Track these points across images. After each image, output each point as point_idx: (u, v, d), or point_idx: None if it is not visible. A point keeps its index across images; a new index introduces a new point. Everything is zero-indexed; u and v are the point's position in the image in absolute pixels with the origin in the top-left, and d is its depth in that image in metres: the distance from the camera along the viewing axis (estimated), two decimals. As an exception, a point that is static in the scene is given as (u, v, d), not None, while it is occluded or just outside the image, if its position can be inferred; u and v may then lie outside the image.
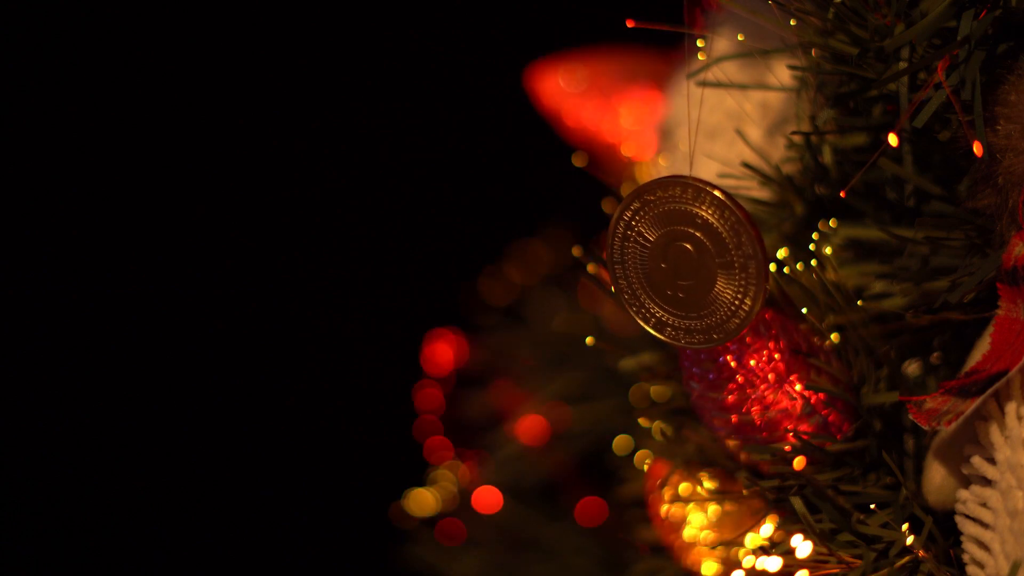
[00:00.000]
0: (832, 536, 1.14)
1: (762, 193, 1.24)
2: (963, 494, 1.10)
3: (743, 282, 1.10)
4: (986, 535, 1.08)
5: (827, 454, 1.16)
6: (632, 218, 1.11)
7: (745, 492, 1.19)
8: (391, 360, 1.94)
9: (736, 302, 1.10)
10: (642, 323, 1.13)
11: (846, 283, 1.19)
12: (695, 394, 1.19)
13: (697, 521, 1.29)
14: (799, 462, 1.15)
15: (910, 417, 1.10)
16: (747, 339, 1.16)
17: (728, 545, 1.25)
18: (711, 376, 1.17)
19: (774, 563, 1.14)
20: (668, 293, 1.12)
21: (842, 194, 1.18)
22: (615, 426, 1.54)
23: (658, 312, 1.13)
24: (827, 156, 1.21)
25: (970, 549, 1.10)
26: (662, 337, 1.13)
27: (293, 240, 2.32)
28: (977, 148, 1.07)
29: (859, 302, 1.18)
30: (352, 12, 2.27)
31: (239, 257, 2.30)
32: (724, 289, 1.10)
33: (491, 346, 1.75)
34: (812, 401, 1.16)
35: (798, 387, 1.16)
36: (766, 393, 1.16)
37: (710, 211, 1.09)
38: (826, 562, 1.14)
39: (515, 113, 1.70)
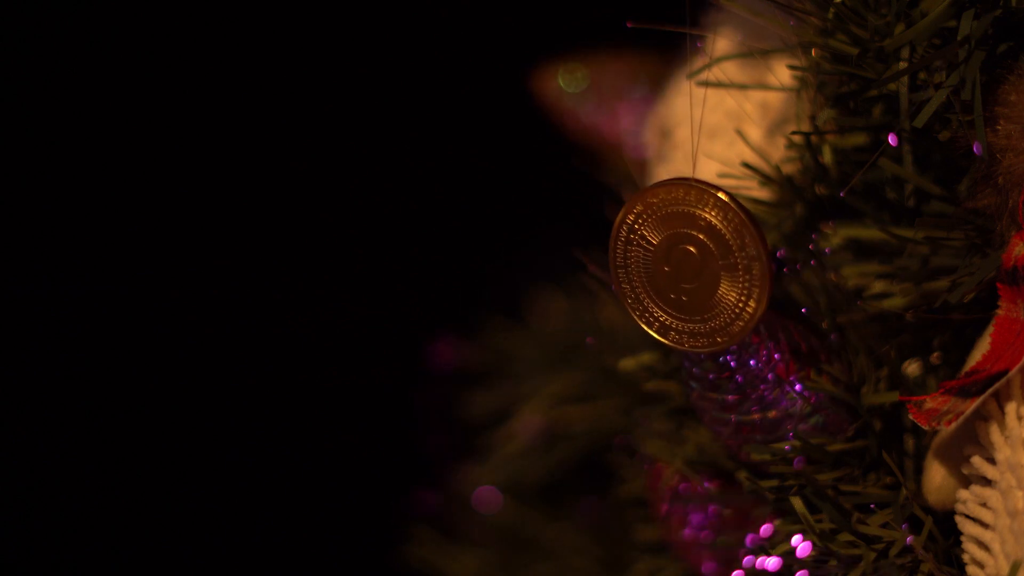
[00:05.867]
0: (832, 536, 1.14)
1: (762, 193, 1.24)
2: (963, 494, 1.10)
3: (747, 284, 1.09)
4: (986, 535, 1.08)
5: (827, 454, 1.16)
6: (635, 221, 1.11)
7: (745, 492, 1.20)
8: (391, 360, 1.94)
9: (740, 304, 1.10)
10: (646, 327, 1.13)
11: (846, 283, 1.19)
12: (695, 394, 1.19)
13: (697, 521, 1.29)
14: (799, 462, 1.15)
15: (910, 417, 1.10)
16: (747, 339, 1.16)
17: (728, 545, 1.25)
18: (711, 376, 1.17)
19: (774, 563, 1.14)
20: (671, 296, 1.12)
21: (842, 194, 1.18)
22: (615, 426, 1.54)
23: (661, 316, 1.12)
24: (827, 156, 1.21)
25: (970, 549, 1.10)
26: (666, 341, 1.13)
27: (293, 240, 2.32)
28: (977, 148, 1.07)
29: (859, 302, 1.18)
30: (353, 12, 2.27)
31: (239, 257, 2.30)
32: (728, 292, 1.10)
33: (491, 346, 1.75)
34: (812, 401, 1.16)
35: (798, 387, 1.16)
36: (766, 393, 1.16)
37: (713, 213, 1.09)
38: (826, 562, 1.14)
39: (516, 113, 1.70)
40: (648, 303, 1.12)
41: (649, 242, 1.11)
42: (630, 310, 1.13)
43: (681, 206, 1.10)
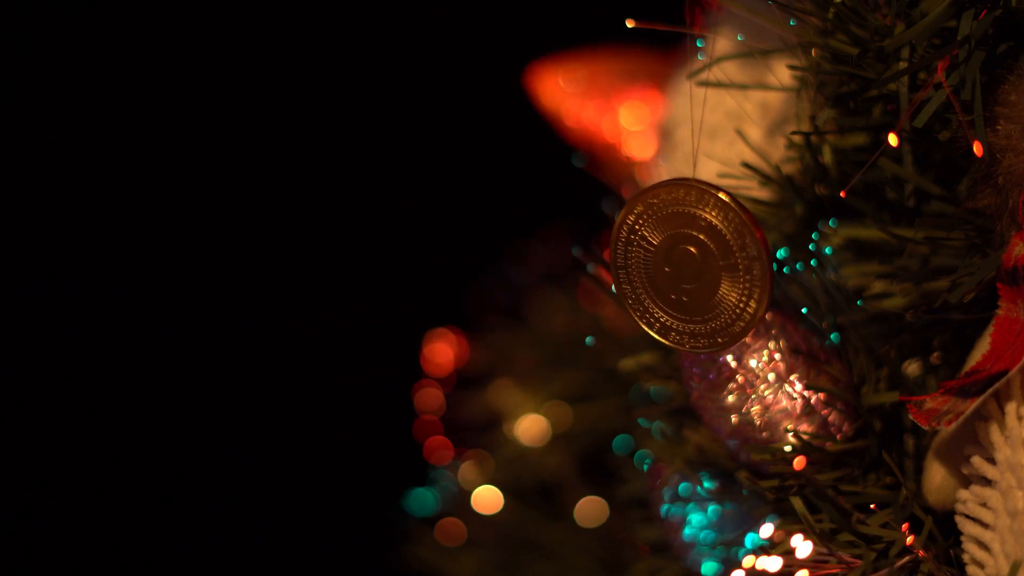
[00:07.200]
0: (832, 536, 1.14)
1: (762, 193, 1.24)
2: (963, 494, 1.10)
3: (747, 284, 1.09)
4: (986, 535, 1.08)
5: (827, 454, 1.16)
6: (635, 222, 1.11)
7: (745, 492, 1.19)
8: (391, 360, 1.94)
9: (741, 305, 1.10)
10: (646, 328, 1.12)
11: (846, 283, 1.19)
12: (695, 394, 1.19)
13: (697, 521, 1.29)
14: (799, 462, 1.15)
15: (910, 417, 1.10)
16: (747, 339, 1.16)
17: (728, 545, 1.25)
18: (711, 376, 1.17)
19: (774, 563, 1.14)
20: (672, 297, 1.11)
21: (842, 194, 1.18)
22: (615, 426, 1.54)
23: (662, 316, 1.12)
24: (827, 156, 1.21)
25: (970, 549, 1.10)
26: (667, 342, 1.12)
27: (293, 240, 2.32)
28: (977, 148, 1.07)
29: (859, 302, 1.18)
30: (353, 11, 2.27)
31: (239, 257, 2.30)
32: (728, 292, 1.10)
33: (491, 346, 1.75)
34: (812, 401, 1.16)
35: (798, 387, 1.16)
36: (766, 393, 1.16)
37: (714, 213, 1.09)
38: (826, 562, 1.14)
39: (515, 113, 1.70)
40: (648, 304, 1.12)
41: (649, 243, 1.11)
42: (630, 311, 1.13)
43: (681, 206, 1.09)
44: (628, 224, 1.11)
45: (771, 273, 1.09)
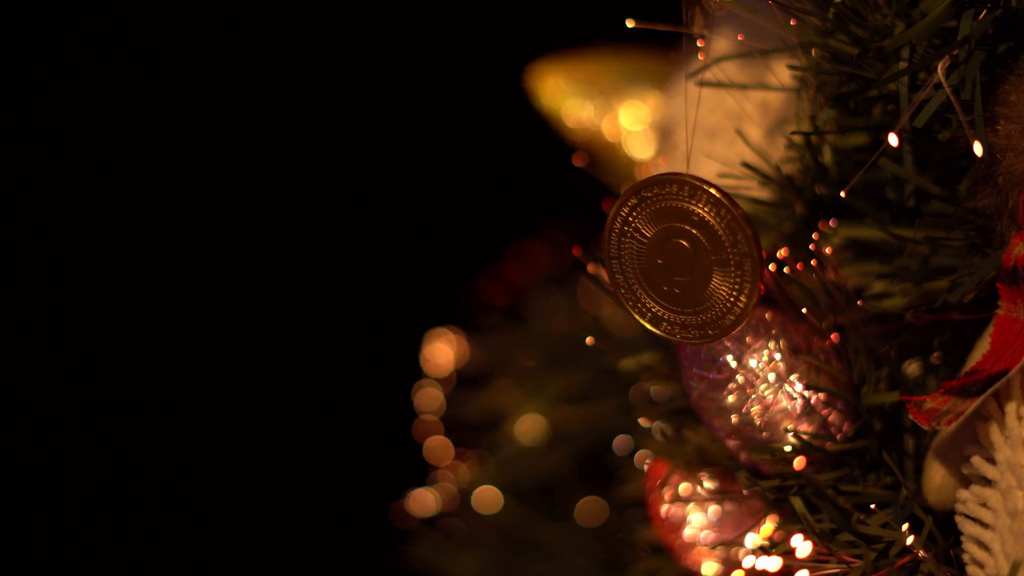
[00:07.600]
0: (832, 536, 1.14)
1: (762, 193, 1.24)
2: (963, 494, 1.10)
3: (738, 279, 1.10)
4: (986, 535, 1.08)
5: (827, 454, 1.16)
6: (629, 214, 1.12)
7: (745, 492, 1.20)
8: (391, 360, 1.94)
9: (731, 299, 1.11)
10: (638, 317, 1.14)
11: (846, 283, 1.19)
12: (695, 394, 1.19)
13: (697, 521, 1.29)
14: (799, 462, 1.15)
15: (910, 417, 1.10)
16: (747, 339, 1.16)
17: (728, 545, 1.25)
18: (711, 376, 1.17)
19: (774, 563, 1.14)
20: (664, 289, 1.12)
21: (842, 194, 1.18)
22: (615, 426, 1.54)
23: (654, 307, 1.13)
24: (827, 156, 1.21)
25: (970, 549, 1.10)
26: (658, 332, 1.13)
27: (293, 240, 2.32)
28: (977, 148, 1.07)
29: (859, 302, 1.18)
30: (353, 11, 2.27)
31: (239, 257, 2.30)
32: (719, 286, 1.11)
33: (491, 346, 1.75)
34: (812, 401, 1.16)
35: (798, 387, 1.16)
36: (766, 393, 1.16)
37: (706, 208, 1.10)
38: (826, 562, 1.14)
39: (515, 113, 1.70)
40: (641, 294, 1.13)
41: (643, 235, 1.12)
42: (623, 300, 1.14)
43: (675, 201, 1.10)
44: (622, 216, 1.12)
45: (762, 269, 1.09)
